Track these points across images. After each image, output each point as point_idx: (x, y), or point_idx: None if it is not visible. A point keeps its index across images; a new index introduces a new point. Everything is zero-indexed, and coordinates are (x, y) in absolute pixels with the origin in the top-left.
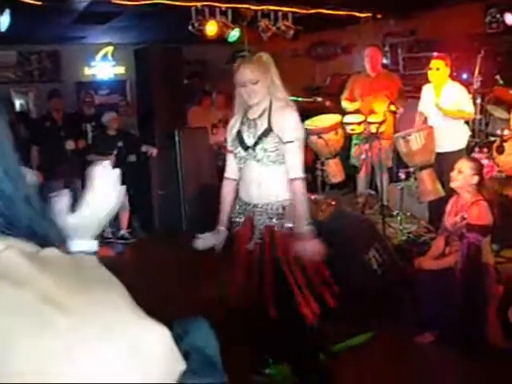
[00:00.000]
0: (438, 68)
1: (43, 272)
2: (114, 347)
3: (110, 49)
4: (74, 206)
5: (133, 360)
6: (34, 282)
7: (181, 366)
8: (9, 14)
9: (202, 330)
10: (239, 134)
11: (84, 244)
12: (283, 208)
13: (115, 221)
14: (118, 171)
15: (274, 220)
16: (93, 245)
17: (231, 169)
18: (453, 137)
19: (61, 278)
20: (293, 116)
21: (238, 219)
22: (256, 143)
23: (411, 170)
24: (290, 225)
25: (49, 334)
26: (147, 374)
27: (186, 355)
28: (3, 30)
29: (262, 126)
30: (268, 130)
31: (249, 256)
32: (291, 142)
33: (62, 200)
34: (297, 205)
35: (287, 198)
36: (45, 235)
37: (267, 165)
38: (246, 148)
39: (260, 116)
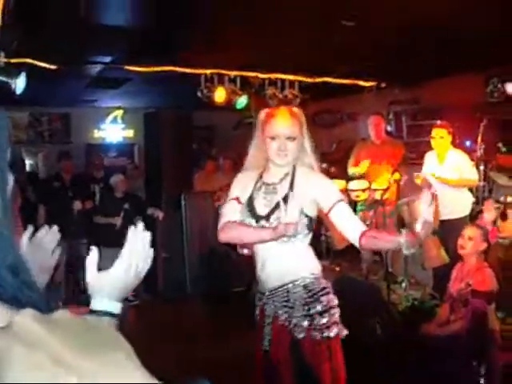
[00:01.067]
0: (441, 136)
1: (55, 334)
2: None
3: (119, 112)
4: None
5: None
6: (45, 344)
7: None
8: (24, 77)
9: None
10: (251, 200)
11: (109, 305)
12: (309, 291)
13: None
14: (149, 235)
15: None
16: (117, 306)
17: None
18: (457, 204)
19: (72, 340)
20: (324, 178)
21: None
22: (271, 212)
23: None
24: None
25: None
26: None
27: None
28: (19, 92)
29: (283, 191)
30: (288, 197)
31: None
32: (340, 200)
33: (91, 257)
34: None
35: (310, 277)
36: (31, 304)
37: (281, 241)
38: (257, 219)
39: (281, 180)
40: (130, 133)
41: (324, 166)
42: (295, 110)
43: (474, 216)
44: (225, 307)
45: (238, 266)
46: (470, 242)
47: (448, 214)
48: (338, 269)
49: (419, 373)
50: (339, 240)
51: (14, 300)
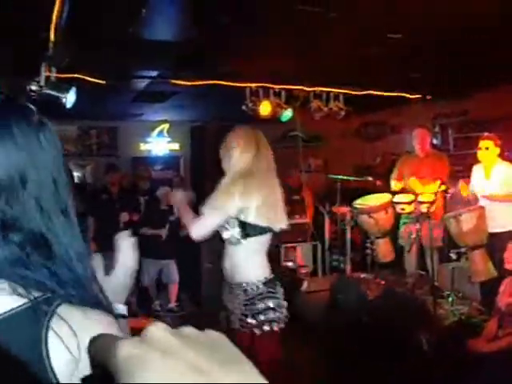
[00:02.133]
0: (487, 148)
1: (189, 346)
2: None
3: (165, 126)
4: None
5: None
6: (182, 353)
7: None
8: (74, 91)
9: None
10: None
11: (117, 308)
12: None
13: (164, 293)
14: (134, 239)
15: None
16: (123, 308)
17: None
18: (504, 217)
19: (204, 352)
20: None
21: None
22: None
23: (462, 250)
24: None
25: None
26: None
27: None
28: (69, 106)
29: None
30: None
31: None
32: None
33: (96, 263)
34: None
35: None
36: (108, 307)
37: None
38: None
39: None
40: (176, 146)
41: (370, 178)
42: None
43: None
44: None
45: (281, 278)
46: None
47: (496, 227)
48: (382, 282)
49: None
50: (384, 253)
51: (96, 306)
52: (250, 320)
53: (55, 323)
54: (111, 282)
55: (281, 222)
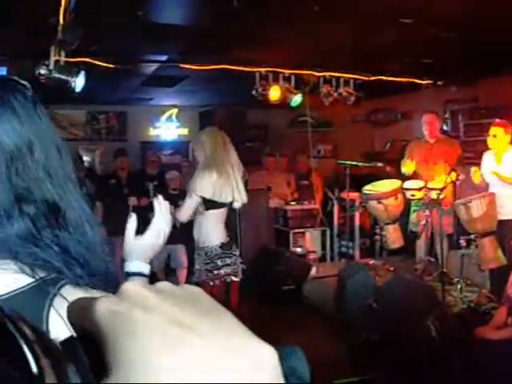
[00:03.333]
0: (496, 135)
1: (167, 300)
2: (243, 364)
3: (174, 111)
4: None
5: (256, 375)
6: (162, 309)
7: (284, 382)
8: (83, 75)
9: (296, 356)
10: None
11: (141, 266)
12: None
13: (173, 278)
14: (168, 204)
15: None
16: (147, 268)
17: None
18: None
19: (183, 306)
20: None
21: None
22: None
23: (472, 237)
24: None
25: (184, 351)
26: None
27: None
28: (78, 90)
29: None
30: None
31: None
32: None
33: (130, 223)
34: None
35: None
36: (116, 278)
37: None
38: None
39: None
40: (185, 131)
41: (380, 164)
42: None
43: None
44: (275, 306)
45: (289, 264)
46: None
47: (506, 214)
48: (391, 269)
49: (474, 375)
50: (393, 239)
51: (106, 277)
52: (210, 274)
53: (57, 303)
54: (142, 241)
55: (238, 201)
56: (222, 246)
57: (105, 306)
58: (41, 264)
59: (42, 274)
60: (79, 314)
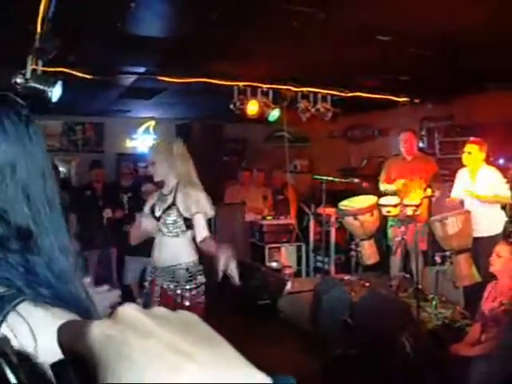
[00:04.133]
0: (471, 152)
1: (164, 326)
2: None
3: (152, 123)
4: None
5: None
6: (159, 334)
7: None
8: (61, 85)
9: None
10: (153, 206)
11: None
12: (189, 272)
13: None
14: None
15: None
16: None
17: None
18: (489, 221)
19: (181, 332)
20: (192, 193)
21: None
22: (160, 216)
23: (447, 253)
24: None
25: (183, 378)
26: None
27: None
28: (54, 100)
29: (168, 201)
30: (171, 205)
31: None
32: (197, 212)
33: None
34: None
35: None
36: (87, 311)
37: (167, 236)
38: (156, 218)
39: (169, 193)
40: None
41: (356, 180)
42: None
43: (508, 234)
44: (250, 320)
45: (265, 278)
46: (498, 259)
47: (480, 231)
48: (367, 284)
49: None
50: (369, 255)
51: (75, 307)
52: (193, 292)
53: (12, 320)
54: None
55: (210, 213)
56: (198, 263)
57: (99, 329)
58: (1, 281)
59: (1, 290)
60: (70, 336)
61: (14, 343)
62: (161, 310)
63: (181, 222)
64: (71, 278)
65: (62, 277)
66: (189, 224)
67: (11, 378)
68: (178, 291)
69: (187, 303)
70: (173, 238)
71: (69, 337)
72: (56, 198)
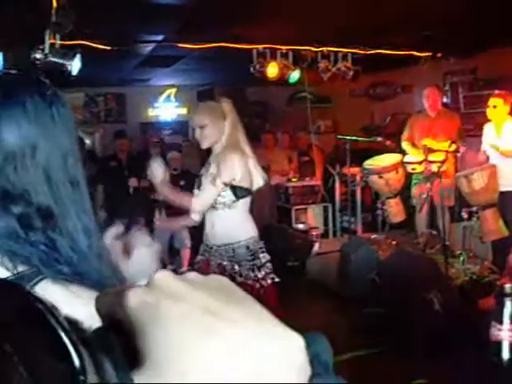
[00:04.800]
0: (496, 106)
1: (197, 290)
2: (271, 352)
3: (173, 90)
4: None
5: (284, 362)
6: (191, 297)
7: (310, 369)
8: (80, 58)
9: (319, 342)
10: (199, 176)
11: None
12: (233, 250)
13: (177, 258)
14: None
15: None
16: None
17: None
18: None
19: (212, 295)
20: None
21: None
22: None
23: (474, 209)
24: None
25: (218, 339)
26: (294, 374)
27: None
28: (75, 73)
29: (211, 169)
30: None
31: None
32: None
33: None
34: None
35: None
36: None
37: (216, 208)
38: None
39: (214, 161)
40: (184, 110)
41: (379, 139)
42: (209, 102)
43: None
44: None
45: (292, 240)
46: None
47: (507, 185)
48: (394, 242)
49: (477, 348)
50: (395, 213)
51: (98, 285)
52: (256, 273)
53: None
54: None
55: (259, 182)
56: (258, 240)
57: (137, 298)
58: (22, 259)
59: (21, 269)
60: (110, 304)
61: None
62: (193, 275)
63: (228, 191)
64: (95, 260)
65: (84, 258)
66: (238, 193)
67: (68, 344)
68: (239, 270)
69: (256, 284)
70: (224, 209)
71: (107, 304)
72: (80, 180)
